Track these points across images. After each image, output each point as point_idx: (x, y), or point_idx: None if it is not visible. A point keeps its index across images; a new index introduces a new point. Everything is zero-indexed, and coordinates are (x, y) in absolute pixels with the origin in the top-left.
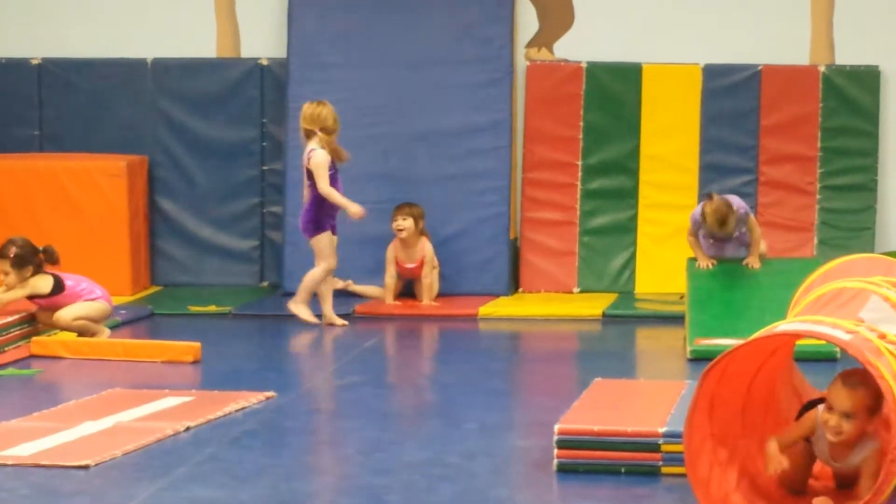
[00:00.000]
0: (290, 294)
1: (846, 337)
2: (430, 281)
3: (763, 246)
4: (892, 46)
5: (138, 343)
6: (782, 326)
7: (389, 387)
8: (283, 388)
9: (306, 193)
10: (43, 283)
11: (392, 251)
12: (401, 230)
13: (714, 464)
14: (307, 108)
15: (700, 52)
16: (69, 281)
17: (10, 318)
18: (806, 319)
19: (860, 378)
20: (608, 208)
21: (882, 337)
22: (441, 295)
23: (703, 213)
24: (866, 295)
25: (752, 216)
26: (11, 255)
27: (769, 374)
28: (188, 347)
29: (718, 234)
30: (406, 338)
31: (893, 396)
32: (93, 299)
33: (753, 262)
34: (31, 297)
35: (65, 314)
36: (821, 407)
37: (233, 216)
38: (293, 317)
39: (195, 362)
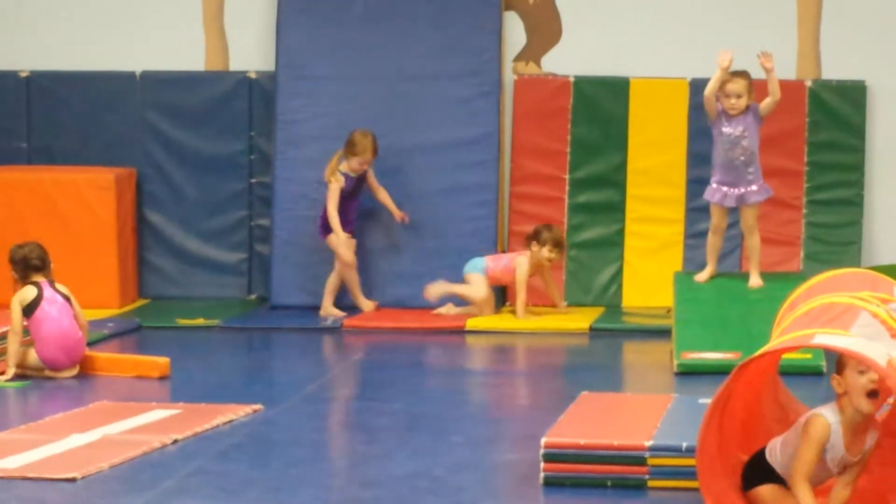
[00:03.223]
0: (279, 307)
1: (882, 362)
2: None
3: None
4: (879, 61)
5: (107, 357)
6: (819, 339)
7: (377, 399)
8: (271, 401)
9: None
10: (27, 294)
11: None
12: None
13: (721, 477)
14: None
15: (687, 66)
16: (43, 311)
17: None
18: (841, 333)
19: None
20: (595, 222)
21: None
22: (428, 307)
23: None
24: (856, 310)
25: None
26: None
27: (757, 388)
28: (154, 363)
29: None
30: (393, 351)
31: None
32: (37, 350)
33: (754, 281)
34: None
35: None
36: (824, 412)
37: (221, 229)
38: (280, 329)
39: (162, 378)
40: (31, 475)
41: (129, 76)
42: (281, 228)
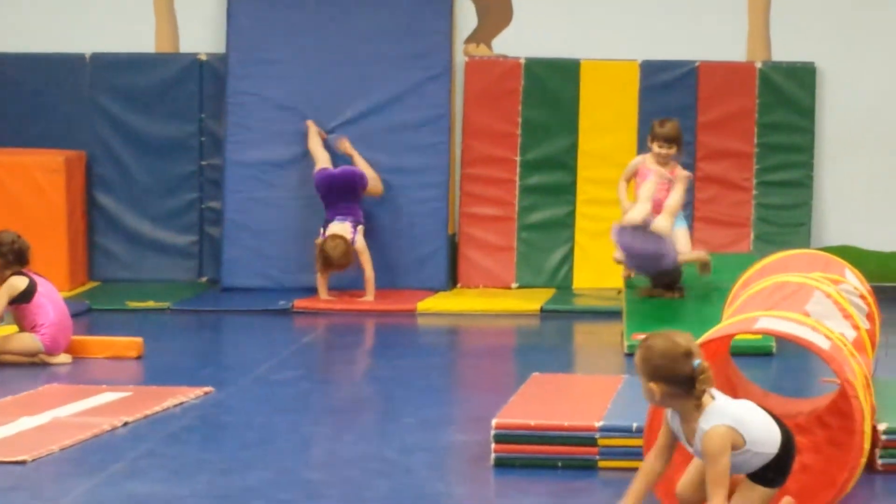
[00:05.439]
0: (229, 289)
1: (826, 345)
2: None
3: (702, 254)
4: (828, 43)
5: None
6: (763, 322)
7: (327, 382)
8: (221, 384)
9: None
10: (18, 283)
11: None
12: None
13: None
14: None
15: (638, 48)
16: (42, 297)
17: None
18: (789, 317)
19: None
20: (546, 204)
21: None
22: (379, 289)
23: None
24: (809, 289)
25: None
26: None
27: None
28: (132, 343)
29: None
30: (344, 333)
31: (862, 413)
32: (41, 335)
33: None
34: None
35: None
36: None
37: (171, 211)
38: (230, 311)
39: (139, 357)
40: None
41: (79, 58)
42: (231, 211)
